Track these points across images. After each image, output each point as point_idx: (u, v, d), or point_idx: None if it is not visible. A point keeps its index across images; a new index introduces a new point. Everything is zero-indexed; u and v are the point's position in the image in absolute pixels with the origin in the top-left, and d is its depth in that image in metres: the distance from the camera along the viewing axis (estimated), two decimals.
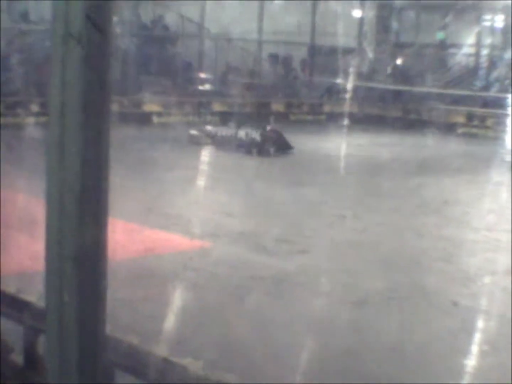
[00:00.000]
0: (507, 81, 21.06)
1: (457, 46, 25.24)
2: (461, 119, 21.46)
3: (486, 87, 22.88)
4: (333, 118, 21.21)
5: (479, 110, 21.41)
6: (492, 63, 23.87)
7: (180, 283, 6.60)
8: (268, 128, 15.69)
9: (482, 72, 24.10)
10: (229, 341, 5.31)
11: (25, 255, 6.20)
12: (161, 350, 3.08)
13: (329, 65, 23.21)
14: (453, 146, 17.81)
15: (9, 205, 7.49)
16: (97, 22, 2.28)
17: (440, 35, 25.64)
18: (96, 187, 2.38)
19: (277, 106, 22.47)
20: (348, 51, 23.56)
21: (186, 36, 23.48)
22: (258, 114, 20.59)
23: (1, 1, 18.67)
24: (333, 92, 23.58)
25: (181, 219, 8.94)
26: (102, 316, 2.45)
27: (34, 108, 16.67)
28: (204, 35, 23.07)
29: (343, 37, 22.64)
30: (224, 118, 19.25)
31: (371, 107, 23.12)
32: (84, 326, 2.39)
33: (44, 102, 15.40)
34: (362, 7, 25.78)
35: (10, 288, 3.76)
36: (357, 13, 25.72)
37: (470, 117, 21.36)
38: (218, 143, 15.12)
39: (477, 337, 5.79)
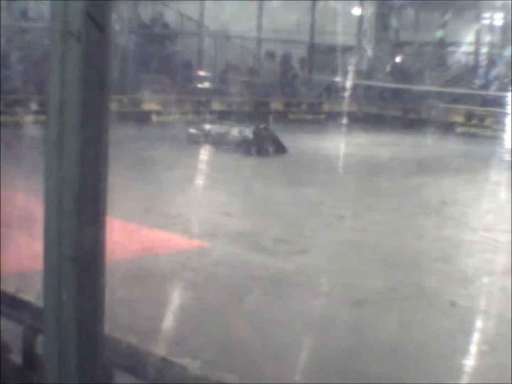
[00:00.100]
0: (507, 80, 21.04)
1: (457, 44, 25.23)
2: (460, 118, 21.44)
3: (486, 86, 22.88)
4: (332, 117, 21.17)
5: (478, 109, 21.39)
6: (492, 62, 23.86)
7: (179, 283, 6.58)
8: (261, 126, 15.62)
9: (481, 71, 24.10)
10: (228, 341, 5.30)
11: (23, 254, 6.18)
12: (159, 350, 3.07)
13: (328, 63, 23.20)
14: (452, 145, 17.81)
15: (7, 204, 7.47)
16: (97, 20, 2.27)
17: (439, 33, 25.64)
18: (95, 186, 2.37)
19: (276, 105, 22.46)
20: (347, 49, 23.54)
21: (185, 34, 23.46)
22: (257, 113, 20.59)
23: None
24: (332, 91, 23.57)
25: (180, 219, 8.93)
26: (100, 315, 2.44)
27: (33, 106, 16.63)
28: (204, 33, 23.04)
29: (342, 35, 22.62)
30: (223, 116, 19.24)
31: (370, 106, 23.10)
32: (82, 326, 2.38)
33: (43, 100, 15.37)
34: (361, 5, 25.76)
35: (9, 287, 3.75)
36: (356, 11, 25.70)
37: (469, 116, 21.35)
38: (212, 141, 15.01)
39: (476, 337, 5.79)
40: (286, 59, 24.57)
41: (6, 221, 6.81)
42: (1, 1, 18.52)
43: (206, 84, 22.10)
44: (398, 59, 25.52)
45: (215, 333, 5.45)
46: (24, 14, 20.67)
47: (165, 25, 23.43)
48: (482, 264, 7.79)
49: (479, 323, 6.06)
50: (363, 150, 16.16)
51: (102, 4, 2.31)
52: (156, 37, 22.90)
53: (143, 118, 19.02)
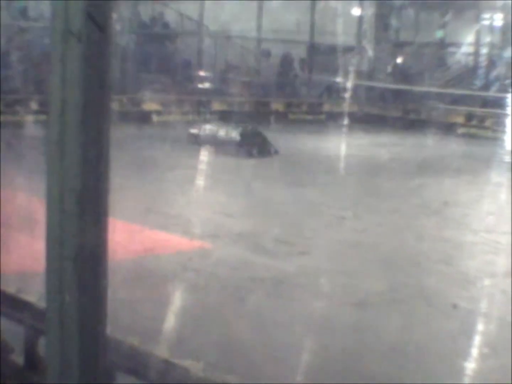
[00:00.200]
0: (507, 81, 21.04)
1: (457, 45, 25.25)
2: (460, 119, 21.44)
3: (486, 86, 22.89)
4: (333, 117, 21.17)
5: (478, 110, 21.40)
6: (492, 62, 23.87)
7: (180, 284, 6.57)
8: (249, 127, 15.39)
9: (481, 71, 24.11)
10: (229, 342, 5.28)
11: (25, 255, 6.17)
12: (160, 350, 3.06)
13: (328, 64, 23.19)
14: (452, 146, 17.79)
15: (8, 204, 7.45)
16: (97, 20, 2.26)
17: (439, 34, 25.63)
18: (97, 186, 2.36)
19: (277, 105, 22.46)
20: (347, 50, 23.53)
21: (186, 34, 23.48)
22: (257, 113, 20.59)
23: None
24: (333, 91, 23.58)
25: (181, 219, 8.93)
26: (102, 316, 2.43)
27: (34, 106, 16.63)
28: (204, 33, 23.05)
29: (342, 36, 22.62)
30: (223, 116, 19.25)
31: (371, 107, 23.10)
32: (84, 327, 2.37)
33: (43, 100, 15.37)
34: (361, 5, 25.76)
35: (11, 288, 3.74)
36: (356, 11, 25.70)
37: (469, 117, 21.35)
38: (213, 142, 14.84)
39: (477, 339, 5.77)
40: (286, 59, 24.57)
41: (7, 221, 6.80)
42: (1, 1, 18.52)
43: (206, 84, 22.09)
44: (399, 60, 25.50)
45: (216, 333, 5.44)
46: (24, 14, 20.67)
47: (165, 25, 23.44)
48: (483, 265, 7.78)
49: (480, 325, 6.04)
50: (364, 151, 16.15)
51: (103, 4, 2.30)
52: (156, 37, 22.91)
53: (143, 118, 19.01)
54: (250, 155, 14.45)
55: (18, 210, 7.82)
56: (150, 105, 19.83)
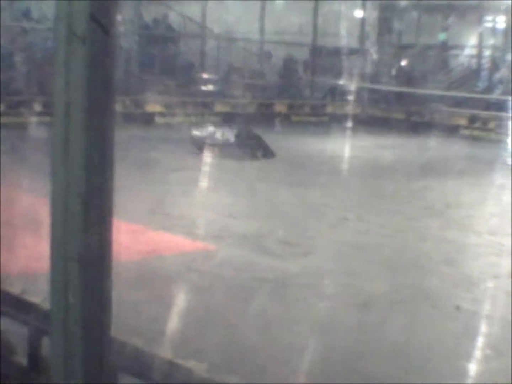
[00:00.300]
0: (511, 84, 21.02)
1: (459, 47, 25.22)
2: (463, 122, 21.42)
3: (489, 89, 22.87)
4: (336, 119, 21.16)
5: (481, 113, 21.38)
6: (495, 65, 23.86)
7: (183, 285, 6.58)
8: (245, 129, 15.25)
9: (484, 74, 24.09)
10: (233, 343, 5.29)
11: (29, 256, 6.18)
12: (164, 351, 3.07)
13: (331, 66, 23.19)
14: (456, 148, 17.77)
15: (13, 205, 7.47)
16: (101, 22, 2.27)
17: (442, 36, 25.61)
18: (101, 187, 2.37)
19: (280, 107, 22.45)
20: (350, 52, 23.53)
21: (189, 36, 23.49)
22: (261, 115, 20.60)
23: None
24: (336, 93, 23.58)
25: (184, 220, 8.93)
26: (106, 317, 2.43)
27: (37, 107, 16.65)
28: (207, 35, 23.07)
29: (345, 38, 22.63)
30: (227, 118, 19.26)
31: (374, 109, 23.09)
32: (88, 328, 2.37)
33: (46, 101, 15.39)
34: (364, 7, 25.75)
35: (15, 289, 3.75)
36: (359, 13, 25.70)
37: (472, 119, 21.34)
38: (214, 144, 14.74)
39: (481, 341, 5.77)
40: (289, 62, 24.57)
41: (11, 222, 6.81)
42: (3, 1, 18.53)
43: (210, 86, 22.10)
44: (403, 63, 25.46)
45: (220, 334, 5.45)
46: (26, 15, 20.69)
47: (169, 27, 23.45)
48: (487, 267, 7.77)
49: (484, 327, 6.04)
50: (367, 153, 16.15)
51: (107, 6, 2.30)
52: (160, 39, 22.91)
53: (146, 119, 19.02)
54: (253, 156, 14.41)
55: (23, 211, 7.83)
56: (153, 107, 19.84)
